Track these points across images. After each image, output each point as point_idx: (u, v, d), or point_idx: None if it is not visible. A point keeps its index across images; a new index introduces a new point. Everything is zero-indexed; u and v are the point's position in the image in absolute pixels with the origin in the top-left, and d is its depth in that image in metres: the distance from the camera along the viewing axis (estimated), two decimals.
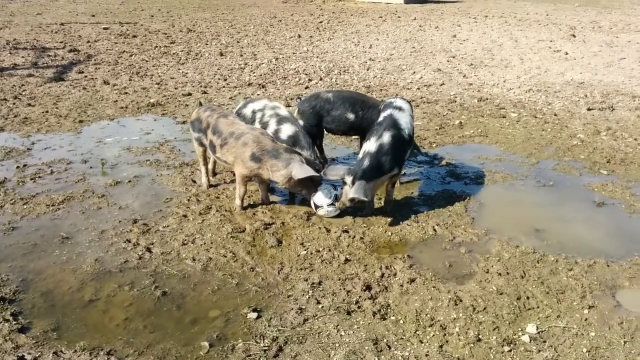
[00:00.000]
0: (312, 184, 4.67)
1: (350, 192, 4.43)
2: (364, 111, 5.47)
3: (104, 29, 15.83)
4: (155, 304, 3.57)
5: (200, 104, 5.40)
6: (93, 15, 19.09)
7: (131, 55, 12.18)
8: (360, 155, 4.68)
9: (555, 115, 8.16)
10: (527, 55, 13.06)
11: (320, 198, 4.69)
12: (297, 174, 4.46)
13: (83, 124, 7.39)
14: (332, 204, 4.68)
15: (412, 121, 5.08)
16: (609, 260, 4.17)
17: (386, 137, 4.62)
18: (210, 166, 5.51)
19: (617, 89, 9.80)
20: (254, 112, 5.31)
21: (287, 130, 5.00)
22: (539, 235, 4.59)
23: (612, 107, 8.55)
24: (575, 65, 11.92)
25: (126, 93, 9.00)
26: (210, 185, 5.40)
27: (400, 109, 4.97)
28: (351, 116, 5.46)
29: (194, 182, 5.51)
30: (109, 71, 10.57)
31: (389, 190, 4.98)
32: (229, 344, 3.20)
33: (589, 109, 8.43)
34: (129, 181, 5.50)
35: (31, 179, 5.47)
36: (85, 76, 10.08)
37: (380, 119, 4.93)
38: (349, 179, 4.48)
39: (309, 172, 4.44)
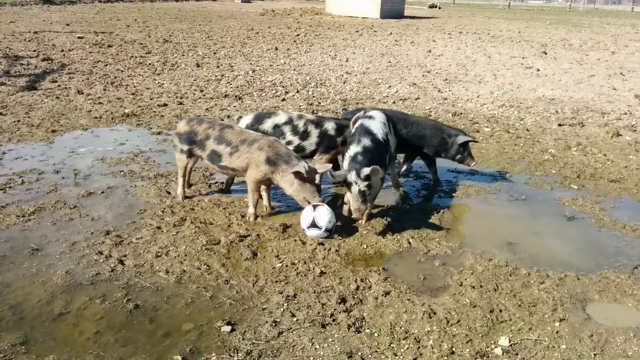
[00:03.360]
0: (311, 192, 4.70)
1: (363, 172, 4.44)
2: (407, 129, 5.72)
3: (79, 38, 15.69)
4: (127, 317, 3.51)
5: (180, 117, 5.38)
6: (68, 24, 18.91)
7: (106, 65, 12.08)
8: (348, 160, 4.72)
9: (528, 130, 8.31)
10: (500, 71, 13.30)
11: (303, 218, 4.69)
12: (294, 169, 4.59)
13: (56, 133, 7.28)
14: (308, 228, 4.68)
15: (387, 129, 5.15)
16: (580, 273, 4.24)
17: (365, 141, 4.74)
18: (186, 178, 5.47)
19: (586, 105, 10.03)
20: (277, 126, 5.37)
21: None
22: (512, 249, 4.65)
23: (582, 123, 8.74)
24: (547, 82, 12.17)
25: (100, 103, 8.91)
26: (185, 197, 5.36)
27: (370, 117, 5.09)
28: (401, 133, 5.71)
29: (169, 193, 5.46)
30: (83, 81, 10.46)
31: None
32: (202, 358, 3.16)
33: (559, 125, 8.61)
34: (102, 192, 5.43)
35: (1, 189, 5.35)
36: (59, 85, 9.96)
37: (353, 130, 5.05)
38: (352, 176, 4.52)
39: (302, 168, 4.55)
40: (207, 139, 4.96)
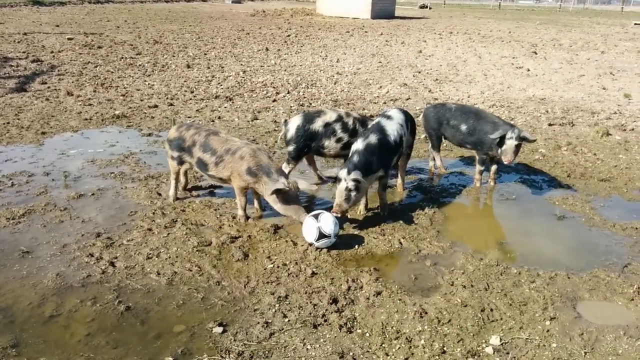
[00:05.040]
0: (295, 211, 4.62)
1: (351, 176, 4.57)
2: (475, 122, 5.80)
3: (69, 39, 15.61)
4: (119, 319, 3.50)
5: (174, 121, 5.35)
6: (57, 26, 18.81)
7: (96, 66, 12.02)
8: (349, 154, 4.84)
9: None
10: (490, 71, 13.35)
11: (307, 232, 4.51)
12: (275, 186, 4.52)
13: (45, 135, 7.24)
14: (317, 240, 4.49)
15: (403, 130, 5.17)
16: (570, 272, 4.26)
17: (372, 139, 4.83)
18: (182, 182, 5.45)
19: (576, 105, 10.09)
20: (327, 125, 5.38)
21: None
22: (502, 248, 4.67)
23: (572, 122, 8.79)
24: (537, 82, 12.23)
25: (90, 104, 8.87)
26: (176, 199, 5.34)
27: (389, 117, 5.16)
28: (464, 127, 5.83)
29: (159, 194, 5.44)
30: (73, 82, 10.41)
31: (381, 194, 5.14)
32: (193, 359, 3.16)
33: (550, 125, 8.65)
34: (93, 194, 5.41)
35: None
36: (49, 87, 9.91)
37: (370, 125, 5.14)
38: (343, 173, 4.61)
39: (281, 185, 4.47)
40: (194, 145, 4.93)
